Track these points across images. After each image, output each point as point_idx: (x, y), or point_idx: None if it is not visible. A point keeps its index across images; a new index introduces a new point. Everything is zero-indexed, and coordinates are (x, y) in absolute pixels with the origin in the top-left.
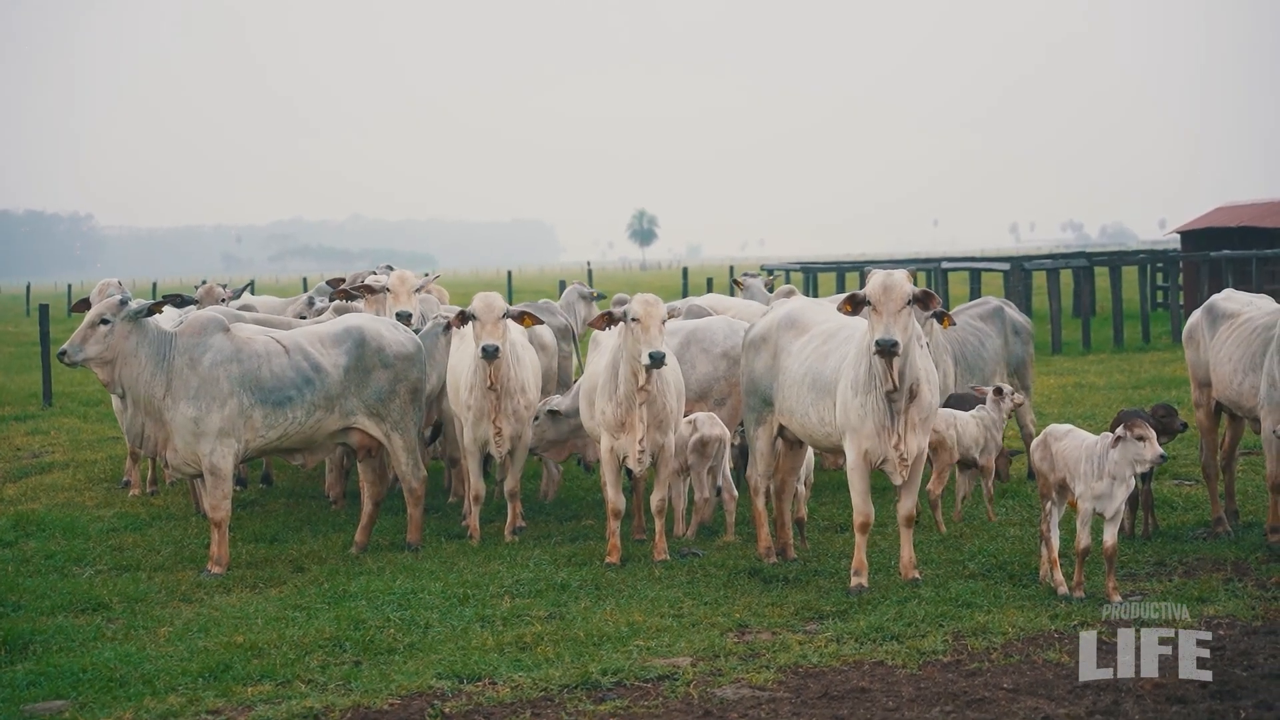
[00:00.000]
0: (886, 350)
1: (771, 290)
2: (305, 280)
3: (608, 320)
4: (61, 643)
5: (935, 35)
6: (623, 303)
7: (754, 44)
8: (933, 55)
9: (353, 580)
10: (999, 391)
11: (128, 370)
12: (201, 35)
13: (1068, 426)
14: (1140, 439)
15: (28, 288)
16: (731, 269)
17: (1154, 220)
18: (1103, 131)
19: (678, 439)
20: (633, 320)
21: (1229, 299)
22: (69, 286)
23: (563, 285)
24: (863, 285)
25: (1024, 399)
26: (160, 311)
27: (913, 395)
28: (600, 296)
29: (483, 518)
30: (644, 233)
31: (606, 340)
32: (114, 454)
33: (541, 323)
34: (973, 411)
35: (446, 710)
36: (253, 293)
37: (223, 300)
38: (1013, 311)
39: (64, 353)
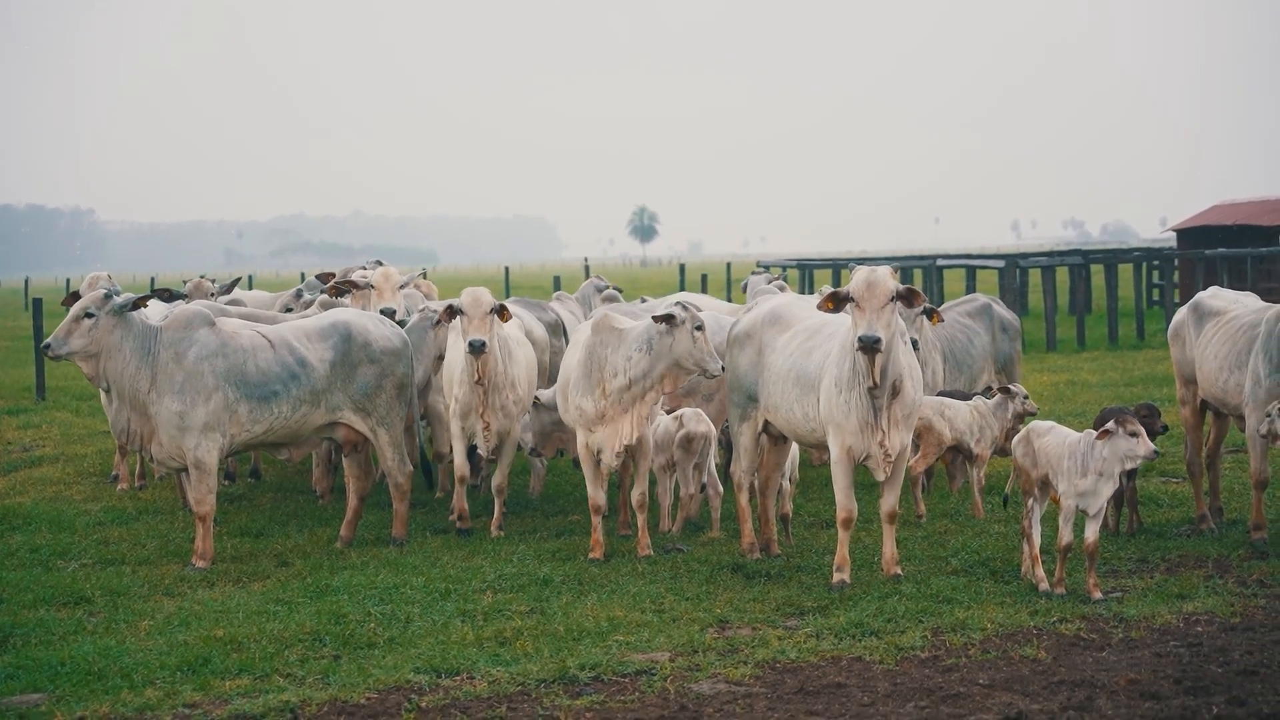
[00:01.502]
0: (869, 347)
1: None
2: (303, 275)
3: (668, 320)
4: (41, 636)
5: (937, 34)
6: (613, 299)
7: (756, 42)
8: (934, 54)
9: (335, 575)
10: (1006, 391)
11: (112, 364)
12: (203, 33)
13: (1050, 423)
14: (1132, 435)
15: (26, 282)
16: (729, 266)
17: (1155, 218)
18: (1104, 130)
19: (664, 435)
20: (698, 329)
21: (1215, 296)
22: (67, 281)
23: (557, 282)
24: None
25: (1032, 402)
26: (145, 306)
27: (896, 392)
28: (618, 290)
29: (470, 513)
30: (645, 229)
31: (582, 335)
32: (104, 448)
33: (511, 316)
34: (971, 401)
35: (423, 704)
36: (249, 287)
37: (211, 295)
38: (1000, 309)
39: (48, 346)
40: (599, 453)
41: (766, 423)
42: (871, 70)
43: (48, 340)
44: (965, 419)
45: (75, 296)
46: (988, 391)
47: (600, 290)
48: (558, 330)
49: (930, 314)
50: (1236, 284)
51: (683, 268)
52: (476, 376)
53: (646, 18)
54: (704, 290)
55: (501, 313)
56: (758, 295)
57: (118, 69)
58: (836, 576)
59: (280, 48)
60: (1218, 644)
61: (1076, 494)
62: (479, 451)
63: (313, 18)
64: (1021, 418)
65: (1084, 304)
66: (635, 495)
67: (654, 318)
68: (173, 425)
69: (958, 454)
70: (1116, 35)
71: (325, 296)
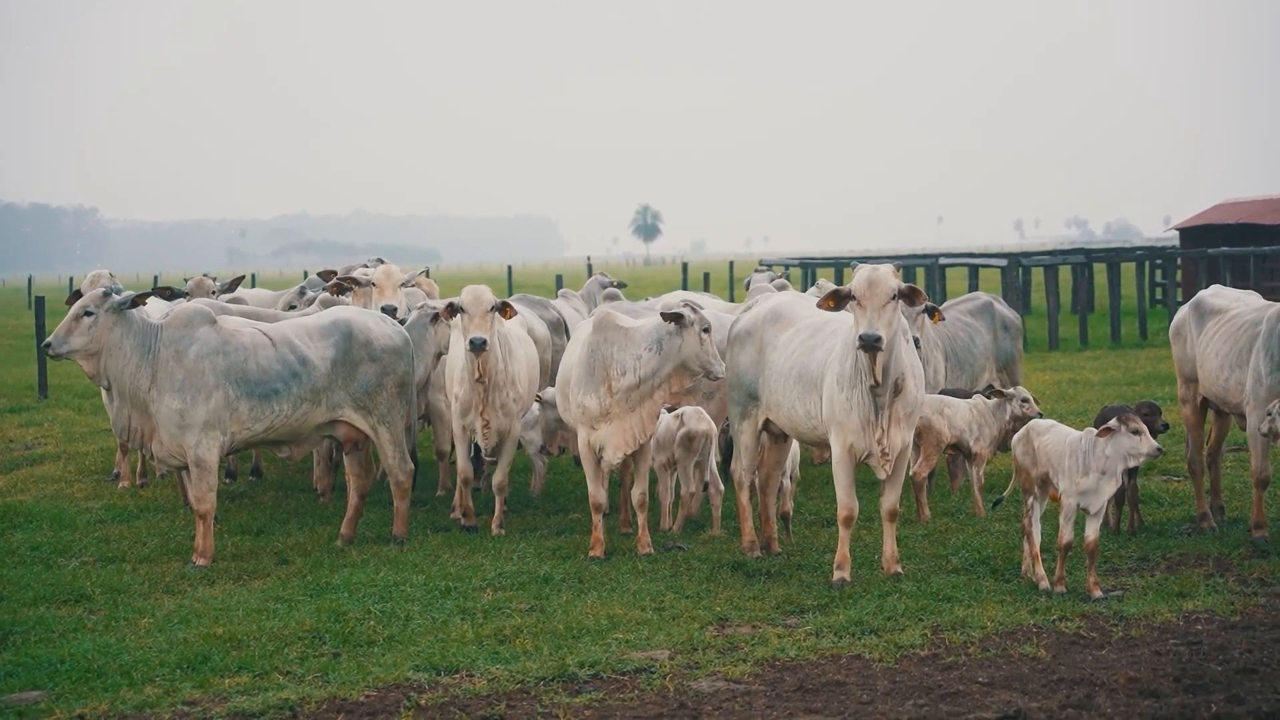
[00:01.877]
0: (870, 345)
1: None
2: (305, 274)
3: (677, 319)
4: (41, 634)
5: (941, 31)
6: (615, 296)
7: (759, 40)
8: (938, 51)
9: (335, 572)
10: (1001, 394)
11: (113, 362)
12: (206, 31)
13: (1049, 422)
14: (1135, 432)
15: (29, 280)
16: (731, 265)
17: (1159, 217)
18: (1108, 129)
19: (665, 433)
20: (705, 331)
21: (1216, 295)
22: (70, 280)
23: (560, 280)
24: None
25: (1034, 405)
26: (144, 304)
27: (898, 390)
28: (623, 286)
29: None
30: (648, 228)
31: (583, 332)
32: (106, 446)
33: (515, 314)
34: (970, 399)
35: (422, 702)
36: (253, 286)
37: (213, 293)
38: (1002, 307)
39: (49, 345)
40: (601, 451)
41: (767, 421)
42: (875, 68)
43: (48, 339)
44: (964, 417)
45: (78, 295)
46: (988, 390)
47: (604, 287)
48: (560, 328)
49: (931, 312)
50: (1239, 283)
51: (685, 266)
52: (477, 374)
53: (649, 16)
54: (706, 289)
55: (504, 310)
56: (757, 294)
57: (121, 68)
58: (837, 574)
59: (283, 46)
60: (1217, 642)
61: (1078, 492)
62: (482, 450)
63: (315, 16)
64: (1021, 420)
65: (1087, 303)
66: (636, 494)
67: (663, 315)
68: (173, 423)
69: (958, 453)
70: (1121, 33)
71: (326, 294)
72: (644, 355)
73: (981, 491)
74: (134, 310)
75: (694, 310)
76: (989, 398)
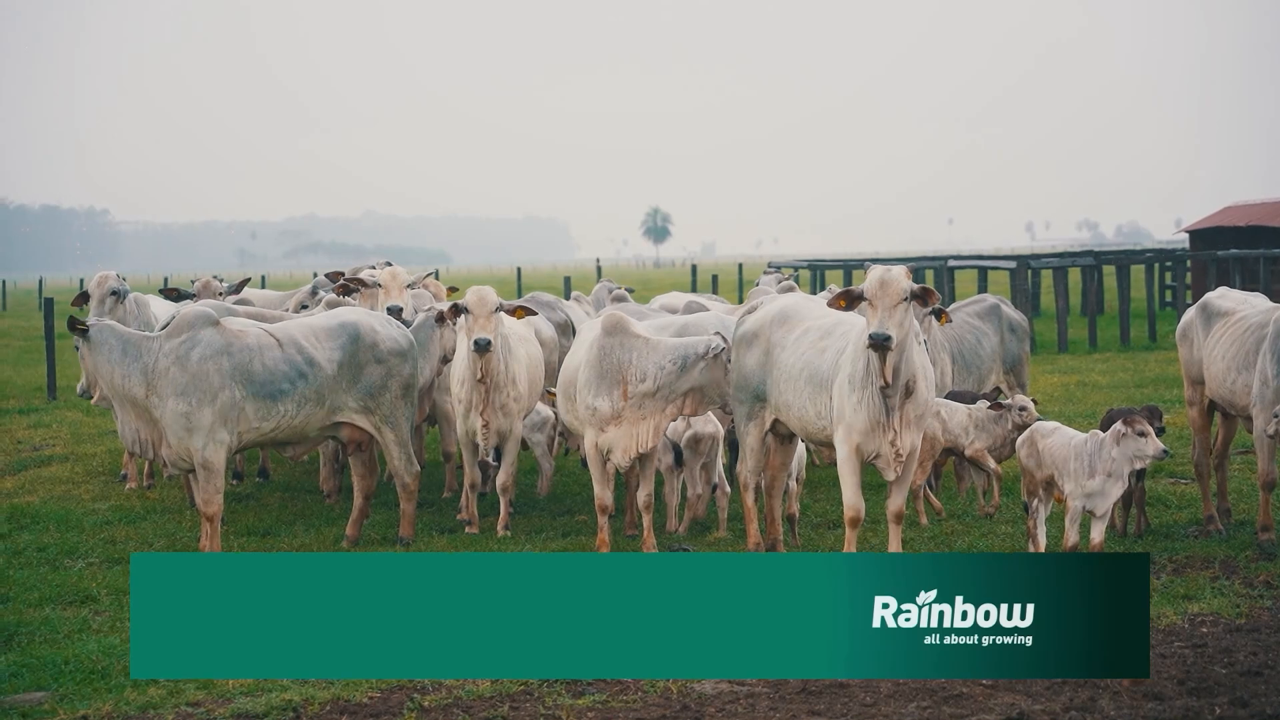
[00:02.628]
0: (879, 345)
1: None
2: (315, 275)
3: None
4: (46, 634)
5: (951, 29)
6: (622, 299)
7: (768, 38)
8: (948, 50)
9: None
10: (1000, 405)
11: (103, 381)
12: (214, 32)
13: (1054, 424)
14: (1141, 435)
15: (40, 282)
16: (740, 266)
17: (1170, 220)
18: (1120, 130)
19: (672, 435)
20: (730, 363)
21: (1223, 297)
22: (80, 281)
23: (568, 283)
24: None
25: (1032, 412)
26: (83, 328)
27: (909, 391)
28: (631, 291)
29: (478, 515)
30: (658, 230)
31: (590, 335)
32: (113, 447)
33: (534, 314)
34: (973, 405)
35: (425, 704)
36: (262, 287)
37: (219, 295)
38: (1009, 309)
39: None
40: (608, 453)
41: (775, 422)
42: (887, 68)
43: (79, 391)
44: (960, 421)
45: (84, 296)
46: (995, 392)
47: (611, 292)
48: (567, 330)
49: (938, 314)
50: (1249, 285)
51: (694, 269)
52: (479, 374)
53: (658, 15)
54: (715, 291)
55: (515, 311)
56: (760, 296)
57: (131, 70)
58: None
59: (291, 47)
60: (1222, 645)
61: (1084, 495)
62: (479, 450)
63: (323, 17)
64: (1022, 428)
65: (1096, 305)
66: (641, 495)
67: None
68: (180, 427)
69: (961, 458)
70: (1130, 32)
71: (332, 295)
72: (667, 366)
73: (999, 482)
74: (97, 330)
75: (725, 342)
76: (992, 398)
